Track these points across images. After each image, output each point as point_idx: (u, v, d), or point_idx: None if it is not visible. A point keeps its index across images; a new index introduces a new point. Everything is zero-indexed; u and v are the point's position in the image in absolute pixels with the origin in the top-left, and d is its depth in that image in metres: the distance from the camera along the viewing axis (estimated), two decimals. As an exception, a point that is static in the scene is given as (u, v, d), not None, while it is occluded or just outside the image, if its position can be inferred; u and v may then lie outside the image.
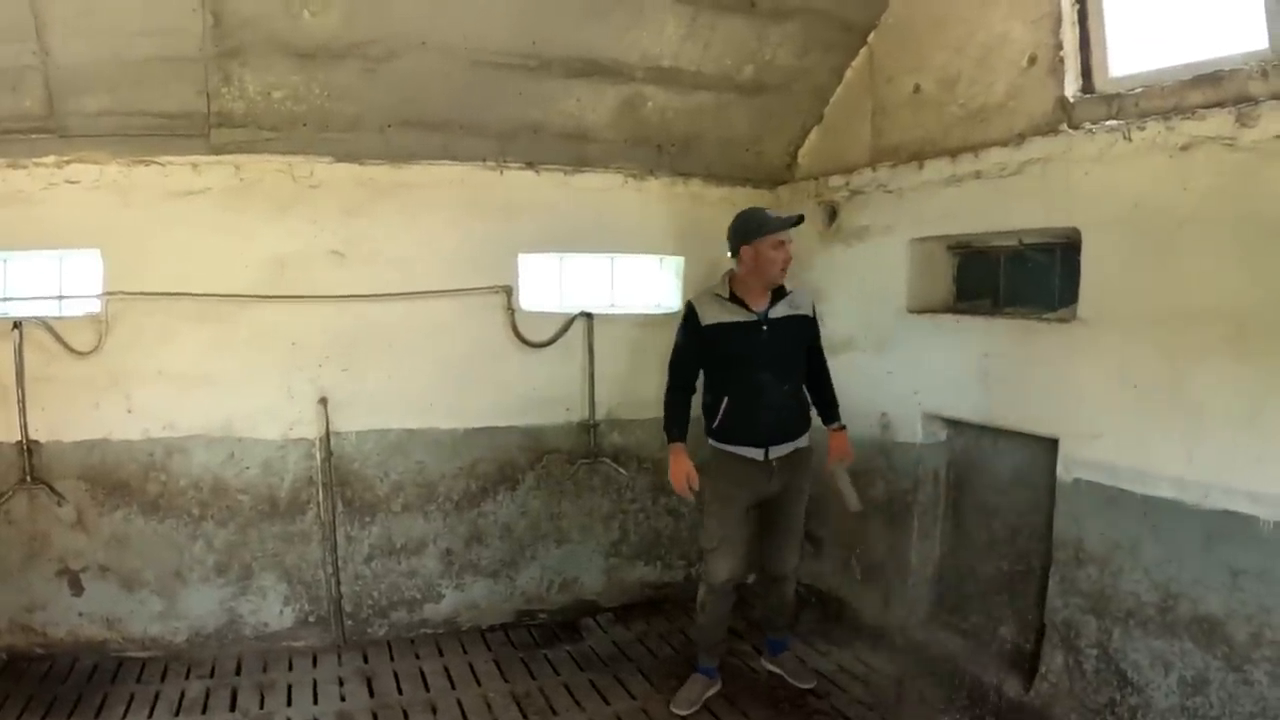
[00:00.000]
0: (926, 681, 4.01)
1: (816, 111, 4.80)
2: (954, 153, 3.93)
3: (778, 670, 4.23)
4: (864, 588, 4.59)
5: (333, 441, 4.46)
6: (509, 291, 4.65)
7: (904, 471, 4.28)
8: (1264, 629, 2.80)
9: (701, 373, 4.03)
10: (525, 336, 4.69)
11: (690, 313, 3.99)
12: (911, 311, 4.24)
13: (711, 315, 3.93)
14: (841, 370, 4.29)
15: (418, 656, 4.46)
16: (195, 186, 4.25)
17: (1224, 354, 2.89)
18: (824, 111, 4.80)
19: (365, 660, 4.42)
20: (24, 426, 4.16)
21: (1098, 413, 3.30)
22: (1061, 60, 3.48)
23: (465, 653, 4.50)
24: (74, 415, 4.22)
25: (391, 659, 4.43)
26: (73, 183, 4.15)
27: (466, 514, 4.72)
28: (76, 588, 4.31)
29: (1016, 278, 3.96)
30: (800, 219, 3.86)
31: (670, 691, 4.00)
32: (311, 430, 4.44)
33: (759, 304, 3.91)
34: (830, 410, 4.14)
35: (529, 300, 4.75)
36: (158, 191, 4.23)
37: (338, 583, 4.52)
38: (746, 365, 3.92)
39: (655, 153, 4.74)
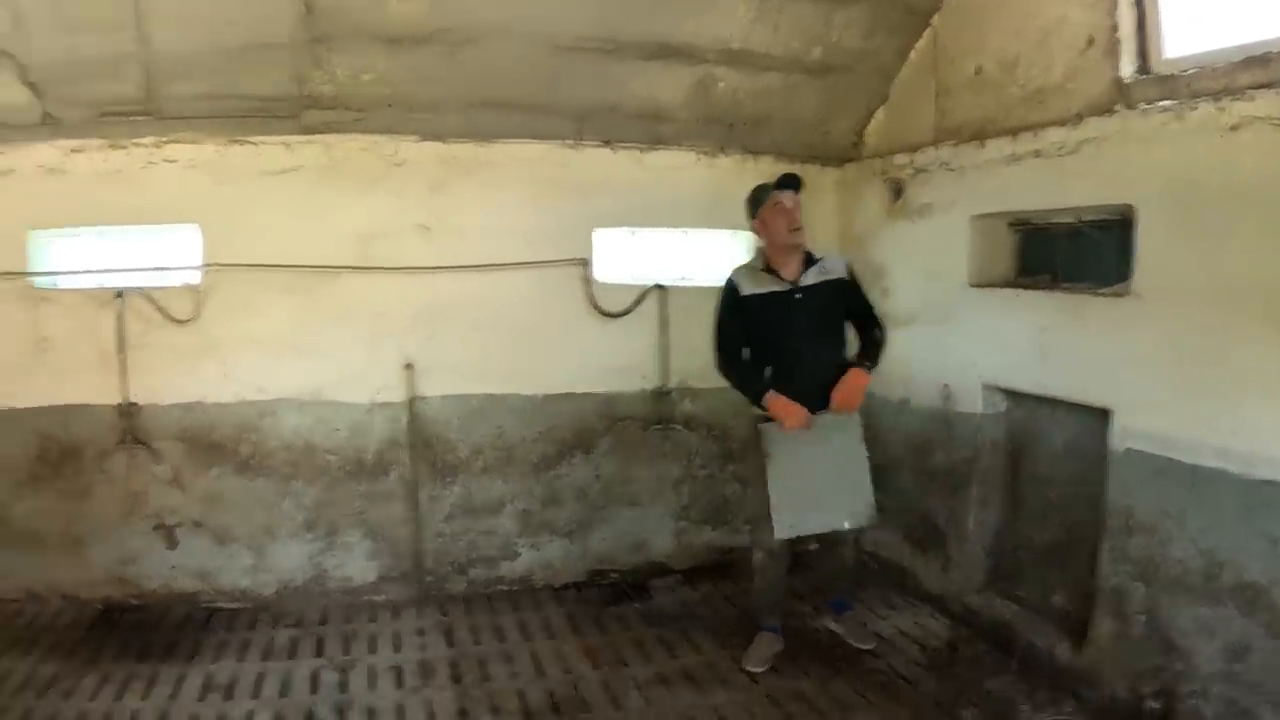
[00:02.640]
0: (981, 645, 4.26)
1: (882, 92, 5.05)
2: (1014, 132, 4.14)
3: (839, 630, 4.40)
4: (923, 555, 4.84)
5: (417, 406, 4.81)
6: (586, 264, 4.97)
7: (964, 441, 4.51)
8: None
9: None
10: (602, 307, 5.01)
11: (730, 286, 4.18)
12: (973, 286, 4.46)
13: (749, 286, 4.14)
14: (905, 343, 4.61)
15: (494, 611, 4.80)
16: (287, 165, 4.62)
17: (1269, 328, 3.04)
18: (889, 92, 5.04)
19: (444, 614, 4.76)
20: (125, 389, 4.54)
21: (1149, 384, 3.47)
22: (1118, 42, 3.66)
23: (540, 608, 4.83)
24: (172, 379, 4.62)
25: (469, 613, 4.78)
26: (171, 161, 4.55)
27: (543, 476, 5.04)
28: (171, 542, 4.72)
29: (1075, 253, 4.13)
30: (791, 177, 4.06)
31: (735, 649, 4.26)
32: (397, 395, 4.78)
33: (791, 273, 4.10)
34: (867, 353, 4.13)
35: (605, 272, 5.05)
36: (252, 169, 4.60)
37: (419, 540, 4.87)
38: (783, 333, 4.09)
39: (726, 131, 5.02)
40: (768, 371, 4.07)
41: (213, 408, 4.63)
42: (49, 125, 4.41)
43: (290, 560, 4.77)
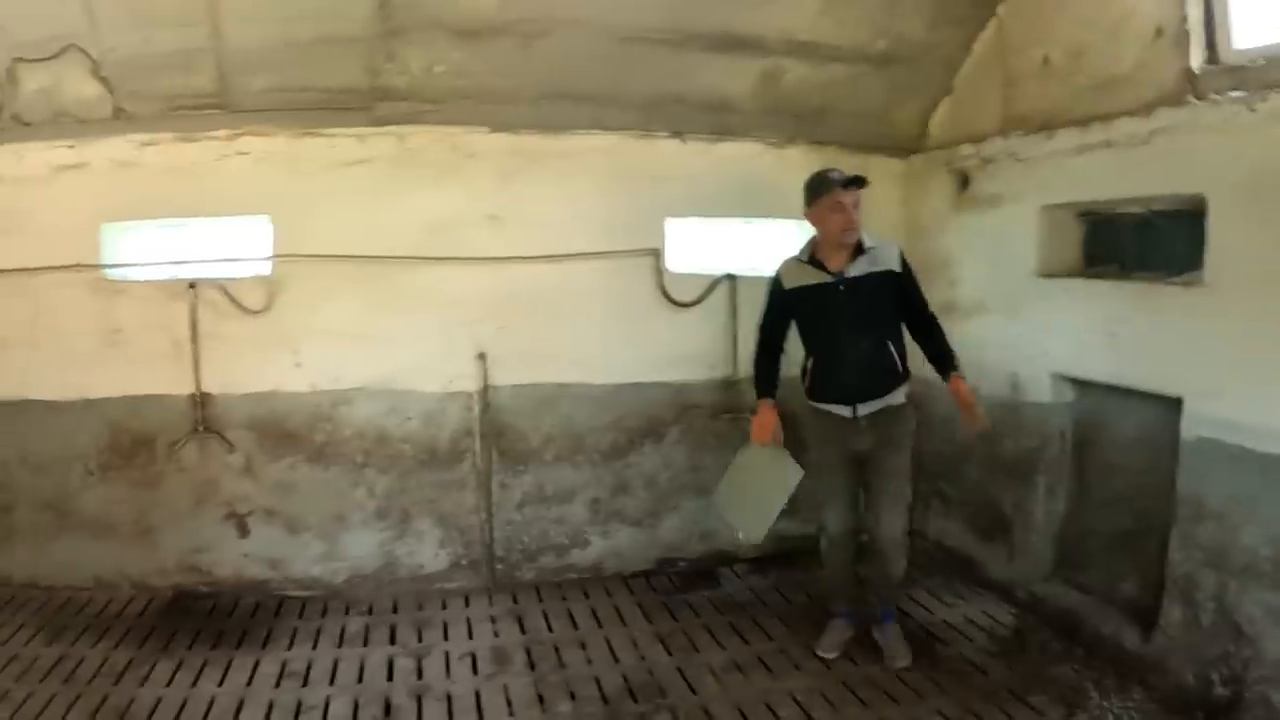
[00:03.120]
0: (1048, 633, 4.32)
1: (946, 83, 5.09)
2: (1084, 122, 4.16)
3: (879, 639, 4.22)
4: (989, 544, 4.90)
5: (489, 395, 4.86)
6: (656, 254, 5.01)
7: (1032, 430, 4.57)
8: None
9: (798, 336, 4.27)
10: (673, 296, 5.05)
11: (775, 280, 4.23)
12: (1041, 276, 4.50)
13: (793, 279, 4.15)
14: (973, 333, 4.71)
15: (565, 599, 4.86)
16: (360, 156, 4.67)
17: None
18: (953, 82, 5.07)
19: (515, 601, 4.85)
20: (197, 379, 4.59)
21: (1221, 372, 3.50)
22: (1187, 33, 3.68)
23: (610, 596, 4.90)
24: (245, 369, 4.68)
25: (540, 600, 4.85)
26: (243, 154, 4.61)
27: (613, 465, 5.10)
28: (242, 530, 4.78)
29: (1142, 243, 4.19)
30: (856, 179, 3.93)
31: (805, 635, 4.33)
32: (470, 384, 4.85)
33: (837, 265, 4.03)
34: (943, 361, 4.12)
35: (675, 262, 5.09)
36: (324, 161, 4.65)
37: (490, 528, 4.94)
38: (827, 325, 4.09)
39: (793, 122, 5.07)
40: (811, 361, 4.14)
41: (286, 397, 4.69)
42: (121, 119, 4.46)
43: (362, 548, 4.82)
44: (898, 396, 4.14)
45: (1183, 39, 3.69)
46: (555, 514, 5.03)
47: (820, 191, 3.98)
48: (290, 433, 4.71)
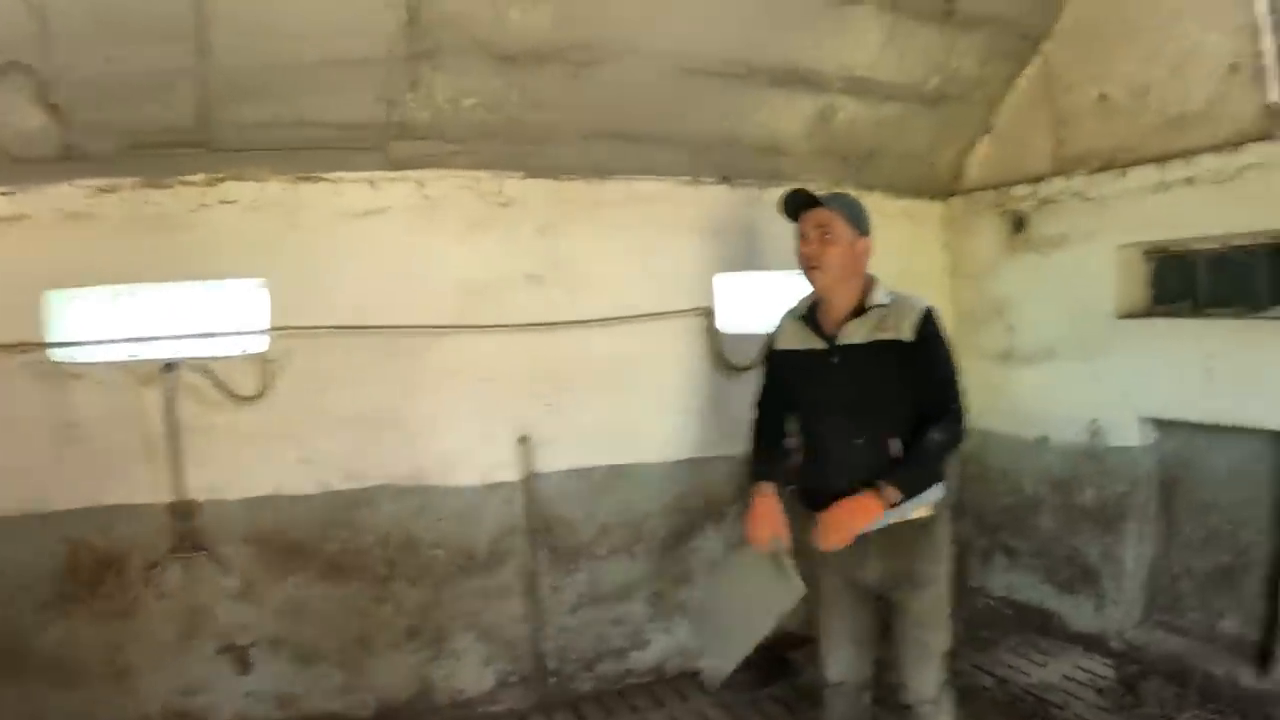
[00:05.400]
0: (1156, 681, 4.17)
1: (986, 121, 4.98)
2: (1157, 160, 4.14)
3: None
4: (1071, 595, 4.73)
5: (534, 484, 4.25)
6: (709, 314, 4.57)
7: (1118, 475, 4.46)
8: None
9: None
10: (728, 360, 4.60)
11: (771, 335, 3.39)
12: (1121, 317, 4.43)
13: (785, 338, 3.30)
14: (1043, 380, 4.62)
15: (634, 709, 4.27)
16: (372, 206, 3.99)
17: None
18: (992, 122, 4.96)
19: (580, 716, 4.19)
20: (179, 484, 3.74)
21: None
22: (1264, 69, 3.73)
23: (685, 700, 4.32)
24: (239, 469, 3.86)
25: (609, 713, 4.20)
26: (228, 202, 3.83)
27: (674, 552, 4.58)
28: (243, 665, 3.92)
29: (1218, 280, 4.15)
30: (802, 198, 3.10)
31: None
32: (511, 473, 4.22)
33: (831, 326, 3.14)
34: (907, 461, 2.96)
35: (728, 322, 4.67)
36: (329, 212, 3.94)
37: (540, 638, 4.30)
38: (814, 405, 3.20)
39: (841, 164, 4.79)
40: (791, 448, 3.28)
41: (291, 501, 3.90)
42: (73, 159, 3.55)
43: (391, 675, 4.06)
44: (918, 509, 3.05)
45: (1260, 74, 3.74)
46: (613, 614, 4.46)
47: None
48: (298, 544, 3.92)
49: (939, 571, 3.13)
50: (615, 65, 3.91)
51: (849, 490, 2.95)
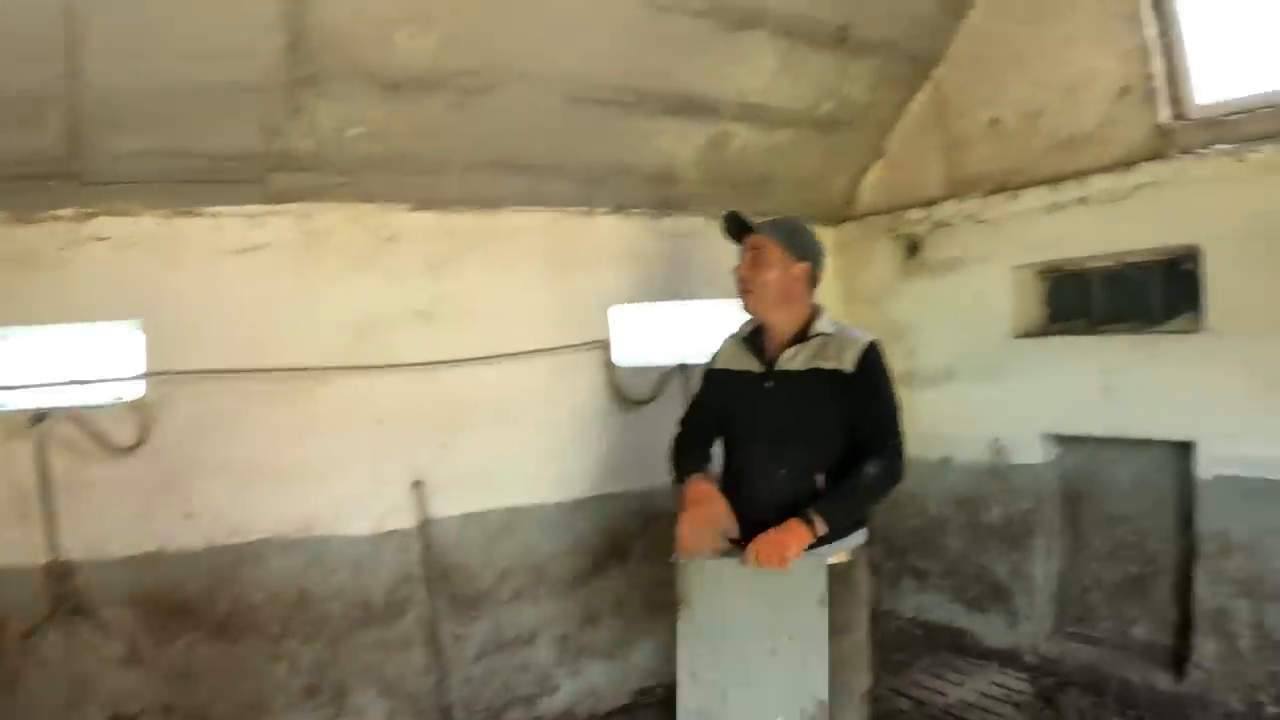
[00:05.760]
0: (1074, 692, 4.93)
1: (877, 147, 5.78)
2: (1051, 181, 5.01)
3: None
4: (982, 612, 5.48)
5: (431, 530, 4.69)
6: (605, 347, 5.12)
7: (1023, 492, 5.27)
8: None
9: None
10: (626, 394, 5.20)
11: (713, 354, 3.85)
12: (1018, 336, 5.25)
13: (724, 358, 3.76)
14: (945, 401, 5.36)
15: None
16: (252, 242, 4.40)
17: None
18: (884, 146, 5.78)
19: None
20: (54, 544, 4.06)
21: (1234, 413, 4.35)
22: (1154, 91, 4.59)
23: None
24: (118, 525, 4.18)
25: None
26: (100, 239, 4.18)
27: (578, 593, 5.11)
28: None
29: (1112, 296, 5.02)
30: (736, 222, 3.63)
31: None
32: (406, 519, 4.66)
33: (773, 351, 3.56)
34: (826, 498, 3.33)
35: (625, 355, 5.19)
36: (207, 249, 4.33)
37: (445, 689, 4.72)
38: (742, 431, 3.61)
39: (733, 192, 5.43)
40: (712, 465, 3.62)
41: (176, 558, 4.23)
42: (-81, 194, 3.86)
43: (289, 738, 4.46)
44: (834, 553, 3.40)
45: (1151, 96, 4.59)
46: (519, 660, 4.93)
47: None
48: (184, 604, 4.25)
49: (858, 618, 3.48)
50: (503, 93, 4.39)
51: (771, 522, 3.25)
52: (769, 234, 3.55)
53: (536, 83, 4.44)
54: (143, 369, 4.20)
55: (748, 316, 3.63)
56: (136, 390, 4.21)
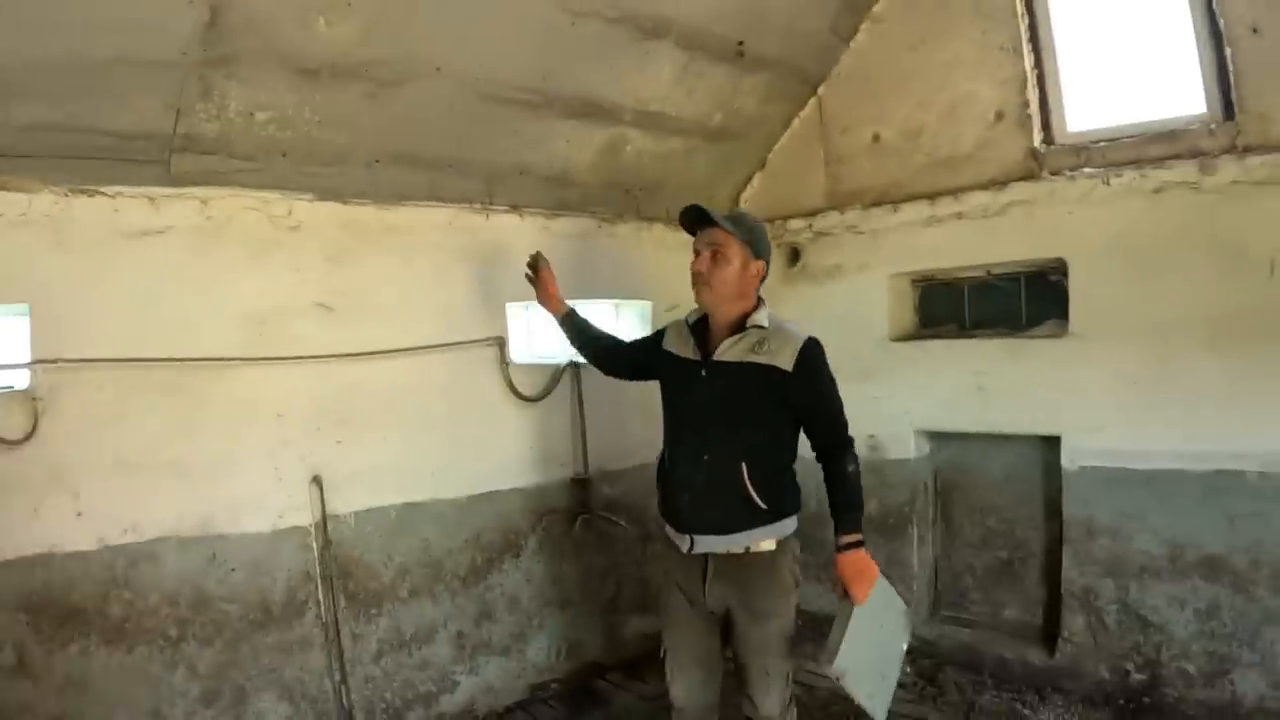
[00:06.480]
0: (953, 670, 5.21)
1: (761, 158, 5.95)
2: (929, 196, 5.32)
3: None
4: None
5: (330, 526, 4.43)
6: (501, 343, 5.00)
7: (899, 485, 5.53)
8: (1259, 555, 4.34)
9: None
10: (520, 391, 5.08)
11: (664, 327, 3.95)
12: (895, 340, 5.55)
13: (670, 341, 3.82)
14: None
15: None
16: (152, 225, 4.03)
17: (1203, 351, 4.44)
18: (767, 157, 5.96)
19: None
20: None
21: (1098, 409, 4.76)
22: (1029, 117, 4.95)
23: None
24: (6, 526, 3.73)
25: None
26: None
27: (474, 590, 4.94)
28: None
29: (982, 304, 5.39)
30: (696, 214, 3.62)
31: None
32: (305, 516, 4.38)
33: (716, 340, 3.60)
34: (837, 515, 3.56)
35: (520, 352, 5.11)
36: (105, 230, 3.93)
37: (347, 690, 4.46)
38: (676, 416, 3.69)
39: (624, 196, 5.48)
40: (661, 460, 3.75)
41: (66, 560, 3.81)
42: None
43: (188, 746, 4.03)
44: (759, 542, 3.53)
45: (1025, 122, 4.94)
46: (418, 658, 4.72)
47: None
48: (76, 608, 3.83)
49: (782, 605, 3.59)
50: (416, 86, 4.23)
51: (693, 507, 3.50)
52: (732, 230, 3.55)
53: (450, 78, 4.29)
54: (28, 357, 3.80)
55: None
56: (22, 379, 3.82)
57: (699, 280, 3.56)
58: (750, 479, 3.45)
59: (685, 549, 3.54)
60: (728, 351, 3.52)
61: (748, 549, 3.50)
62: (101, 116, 3.74)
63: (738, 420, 3.49)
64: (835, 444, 3.57)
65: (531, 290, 4.39)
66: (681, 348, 3.68)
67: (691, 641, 3.65)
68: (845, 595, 3.53)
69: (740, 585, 3.52)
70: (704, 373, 3.53)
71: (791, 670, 3.70)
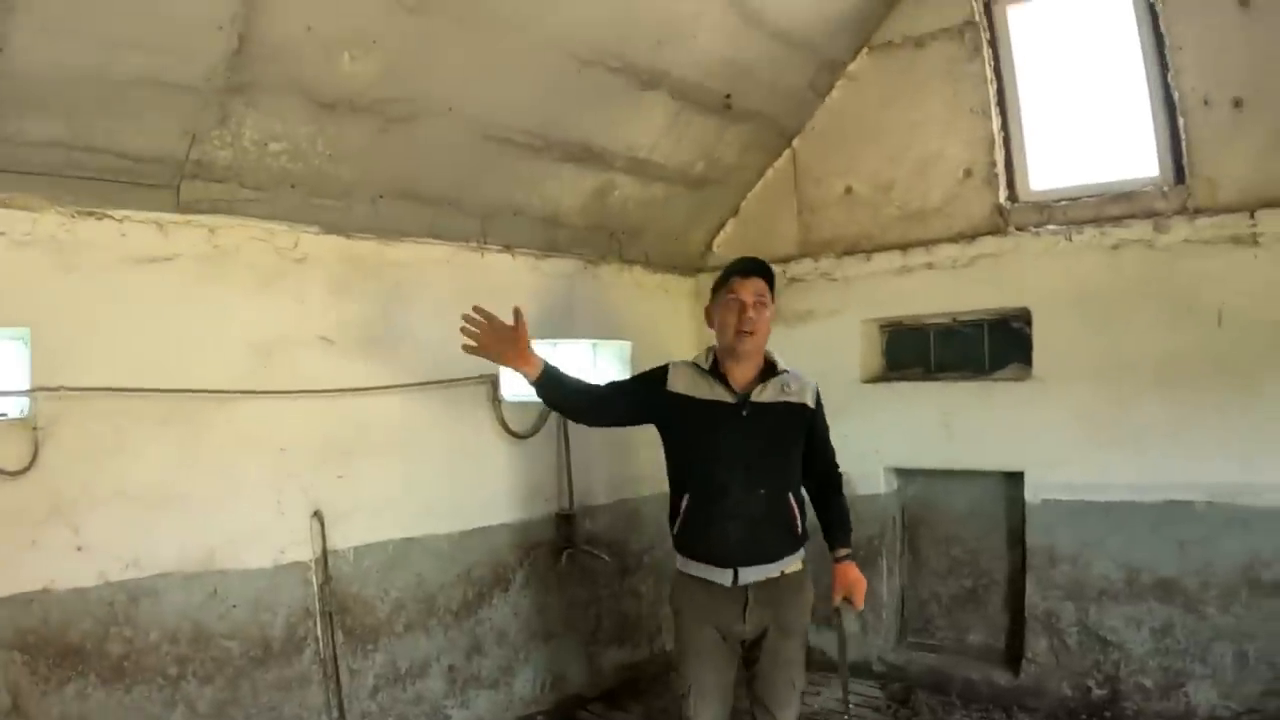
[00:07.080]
0: (923, 693, 5.32)
1: (735, 205, 6.06)
2: (900, 247, 5.52)
3: None
4: (831, 629, 5.61)
5: (330, 562, 4.24)
6: (494, 381, 4.90)
7: (869, 520, 5.58)
8: (1209, 577, 4.61)
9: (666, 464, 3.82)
10: (511, 428, 5.00)
11: (660, 369, 3.78)
12: (865, 381, 5.69)
13: (684, 384, 3.68)
14: None
15: None
16: (160, 252, 3.85)
17: (1155, 392, 4.72)
18: (740, 204, 6.07)
19: None
20: None
21: (1058, 446, 4.99)
22: (996, 175, 5.19)
23: None
24: (2, 560, 3.47)
25: None
26: None
27: (465, 624, 4.82)
28: None
29: (948, 348, 5.59)
30: (751, 264, 3.69)
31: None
32: (305, 551, 4.19)
33: (742, 383, 3.62)
34: (837, 531, 3.81)
35: (510, 389, 5.00)
36: (111, 255, 3.74)
37: None
38: (714, 456, 3.60)
39: (608, 239, 5.53)
40: (685, 500, 3.66)
41: (64, 597, 3.55)
42: None
43: (185, 790, 3.73)
44: (793, 563, 3.68)
45: (992, 180, 5.19)
46: (412, 693, 4.56)
47: (719, 284, 3.70)
48: (74, 646, 3.57)
49: (806, 619, 3.76)
50: (425, 124, 4.22)
51: (748, 542, 3.55)
52: (769, 280, 3.70)
53: (458, 118, 4.30)
54: (28, 384, 3.58)
55: (704, 349, 3.77)
56: (21, 407, 3.59)
57: (747, 328, 3.57)
58: (794, 509, 3.66)
59: (728, 583, 3.54)
60: (764, 393, 3.62)
61: (782, 572, 3.64)
62: (115, 137, 3.58)
63: (783, 455, 3.68)
64: (834, 470, 3.92)
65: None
66: (703, 390, 3.65)
67: (721, 673, 3.68)
68: (845, 600, 3.77)
69: (775, 605, 3.62)
70: (745, 413, 3.58)
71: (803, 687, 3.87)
